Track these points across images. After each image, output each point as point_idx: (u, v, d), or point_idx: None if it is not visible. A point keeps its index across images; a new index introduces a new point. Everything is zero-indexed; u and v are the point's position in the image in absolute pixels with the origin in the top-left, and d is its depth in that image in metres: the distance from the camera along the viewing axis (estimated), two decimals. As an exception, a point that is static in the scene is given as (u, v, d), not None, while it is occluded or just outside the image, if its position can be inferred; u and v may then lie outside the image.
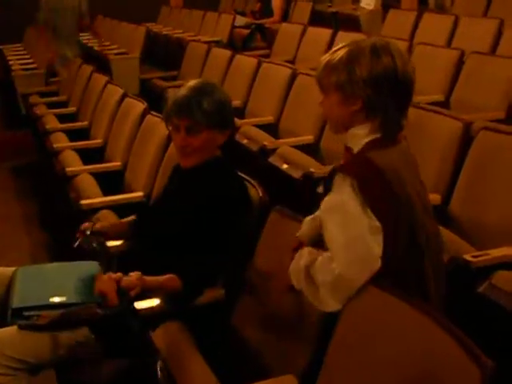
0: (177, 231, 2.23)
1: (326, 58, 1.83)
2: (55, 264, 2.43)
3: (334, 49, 1.84)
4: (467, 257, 2.41)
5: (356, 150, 1.78)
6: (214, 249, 2.14)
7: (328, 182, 1.75)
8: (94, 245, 2.24)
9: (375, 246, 1.66)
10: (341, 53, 1.78)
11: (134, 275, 2.04)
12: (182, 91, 2.24)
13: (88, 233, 2.30)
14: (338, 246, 1.65)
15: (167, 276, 2.12)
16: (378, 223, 1.66)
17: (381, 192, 1.68)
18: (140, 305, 2.08)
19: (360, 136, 1.78)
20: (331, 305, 1.67)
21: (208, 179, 2.24)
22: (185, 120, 2.21)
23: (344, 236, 1.65)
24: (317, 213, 1.93)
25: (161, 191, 2.60)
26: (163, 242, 2.25)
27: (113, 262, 2.16)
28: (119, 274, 2.02)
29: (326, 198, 1.74)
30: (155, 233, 2.33)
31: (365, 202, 1.66)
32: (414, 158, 1.87)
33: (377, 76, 1.73)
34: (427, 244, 1.79)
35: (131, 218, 2.57)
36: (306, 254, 1.76)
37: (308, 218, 1.98)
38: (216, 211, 2.16)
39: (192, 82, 2.28)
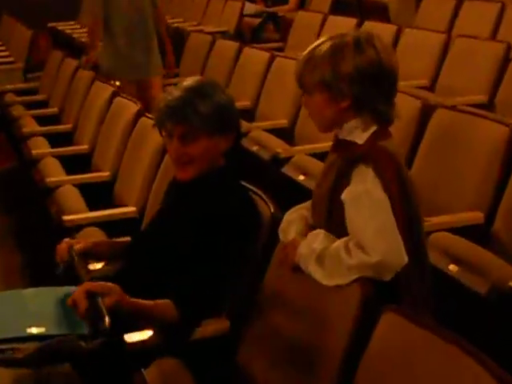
0: (173, 254, 2.22)
1: (305, 54, 2.02)
2: (32, 289, 2.36)
3: (314, 44, 2.02)
4: (514, 284, 2.47)
5: (361, 141, 1.99)
6: (216, 274, 2.13)
7: (344, 174, 1.96)
8: (82, 273, 2.20)
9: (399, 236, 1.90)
10: (323, 48, 1.97)
11: (112, 285, 2.03)
12: (176, 92, 2.21)
13: (75, 256, 2.27)
14: (371, 234, 1.85)
15: (161, 302, 2.11)
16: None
17: (398, 179, 1.92)
18: (130, 337, 2.08)
19: (360, 128, 2.00)
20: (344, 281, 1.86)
21: (208, 193, 2.23)
22: (179, 126, 2.19)
23: (376, 223, 1.87)
24: (302, 210, 2.15)
25: (157, 208, 2.57)
26: (158, 266, 2.24)
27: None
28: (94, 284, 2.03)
29: (349, 189, 1.93)
30: (149, 256, 2.31)
31: (385, 189, 1.89)
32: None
33: (362, 71, 1.93)
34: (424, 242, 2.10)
35: (122, 239, 2.58)
36: (321, 237, 1.95)
37: (293, 217, 2.14)
38: (217, 231, 2.15)
39: (187, 82, 2.26)
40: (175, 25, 8.53)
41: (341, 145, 2.05)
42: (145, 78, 5.50)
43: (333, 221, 1.99)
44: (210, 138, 2.20)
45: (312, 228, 2.05)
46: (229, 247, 2.14)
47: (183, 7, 9.67)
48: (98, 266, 2.45)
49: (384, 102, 1.98)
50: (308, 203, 2.18)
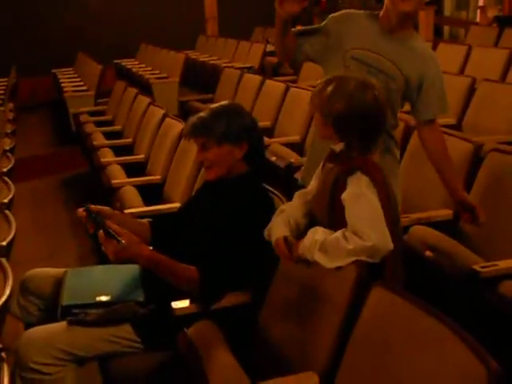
0: (201, 238, 2.20)
1: (318, 86, 1.95)
2: (100, 266, 2.44)
3: (322, 81, 1.96)
4: (476, 267, 2.41)
5: (354, 155, 1.93)
6: (237, 253, 2.09)
7: (341, 179, 1.91)
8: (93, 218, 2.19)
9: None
10: (327, 85, 1.91)
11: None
12: (201, 114, 2.27)
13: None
14: (367, 223, 1.82)
15: (185, 264, 2.10)
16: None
17: (384, 186, 1.90)
18: (176, 305, 2.09)
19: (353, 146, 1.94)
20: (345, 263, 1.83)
21: (235, 191, 2.22)
22: (200, 138, 2.24)
23: (370, 216, 1.84)
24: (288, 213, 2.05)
25: (186, 201, 2.61)
26: (186, 250, 2.21)
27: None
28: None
29: (348, 191, 1.89)
30: (177, 240, 2.30)
31: (377, 193, 1.87)
32: None
33: (365, 112, 1.87)
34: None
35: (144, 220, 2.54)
36: (320, 231, 1.89)
37: (277, 221, 2.01)
38: (241, 219, 2.13)
39: (213, 105, 2.32)
40: (212, 62, 8.59)
41: (337, 156, 1.97)
42: None
43: (334, 215, 1.94)
44: (220, 147, 2.21)
45: (312, 219, 2.02)
46: (248, 233, 2.11)
47: (218, 48, 9.71)
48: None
49: (359, 138, 1.91)
50: (291, 204, 2.09)
